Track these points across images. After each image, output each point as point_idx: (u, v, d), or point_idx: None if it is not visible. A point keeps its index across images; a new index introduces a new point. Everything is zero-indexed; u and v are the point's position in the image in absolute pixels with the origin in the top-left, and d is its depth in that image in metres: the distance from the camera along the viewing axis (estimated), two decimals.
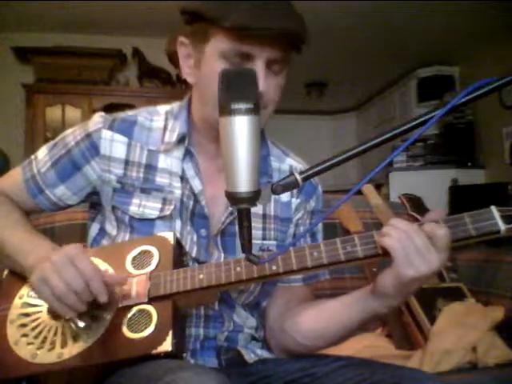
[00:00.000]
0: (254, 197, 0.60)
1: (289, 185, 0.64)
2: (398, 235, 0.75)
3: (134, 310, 0.81)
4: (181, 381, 0.65)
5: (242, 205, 0.61)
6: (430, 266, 0.74)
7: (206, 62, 0.86)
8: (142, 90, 4.10)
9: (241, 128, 0.58)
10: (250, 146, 0.59)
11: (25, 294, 0.89)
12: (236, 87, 0.59)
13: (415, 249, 0.74)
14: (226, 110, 0.59)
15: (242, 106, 0.58)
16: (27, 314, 0.86)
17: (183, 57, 0.91)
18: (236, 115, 0.58)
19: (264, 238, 0.96)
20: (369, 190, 1.85)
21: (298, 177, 0.63)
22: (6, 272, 0.94)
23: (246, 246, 0.64)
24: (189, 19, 0.88)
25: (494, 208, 0.77)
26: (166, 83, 4.10)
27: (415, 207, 1.87)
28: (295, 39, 0.84)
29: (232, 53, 0.82)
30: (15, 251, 0.89)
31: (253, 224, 0.94)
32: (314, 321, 0.91)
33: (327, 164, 0.64)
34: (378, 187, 4.20)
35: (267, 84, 0.83)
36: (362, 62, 4.89)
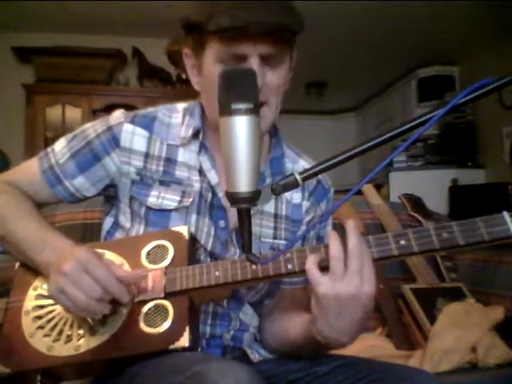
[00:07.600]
0: (254, 197, 0.60)
1: (289, 184, 0.64)
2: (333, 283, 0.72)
3: (151, 304, 0.82)
4: (214, 370, 0.64)
5: (242, 205, 0.61)
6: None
7: (205, 69, 0.89)
8: (142, 90, 4.09)
9: (241, 128, 0.58)
10: (249, 146, 0.59)
11: (39, 286, 0.89)
12: (236, 87, 0.59)
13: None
14: (226, 110, 0.59)
15: (242, 106, 0.58)
16: (42, 306, 0.87)
17: (190, 68, 0.95)
18: (236, 115, 0.58)
19: (275, 238, 0.97)
20: (369, 190, 1.85)
21: (298, 177, 0.63)
22: (17, 263, 0.94)
23: (246, 246, 0.64)
24: (187, 31, 0.90)
25: (506, 213, 0.76)
26: (165, 83, 4.10)
27: (415, 207, 1.87)
28: (282, 31, 0.82)
29: (225, 55, 0.84)
30: (27, 244, 0.87)
31: (264, 223, 0.97)
32: (279, 326, 0.94)
33: (327, 164, 0.64)
34: (378, 187, 4.19)
35: (263, 80, 0.84)
36: (362, 61, 4.88)
